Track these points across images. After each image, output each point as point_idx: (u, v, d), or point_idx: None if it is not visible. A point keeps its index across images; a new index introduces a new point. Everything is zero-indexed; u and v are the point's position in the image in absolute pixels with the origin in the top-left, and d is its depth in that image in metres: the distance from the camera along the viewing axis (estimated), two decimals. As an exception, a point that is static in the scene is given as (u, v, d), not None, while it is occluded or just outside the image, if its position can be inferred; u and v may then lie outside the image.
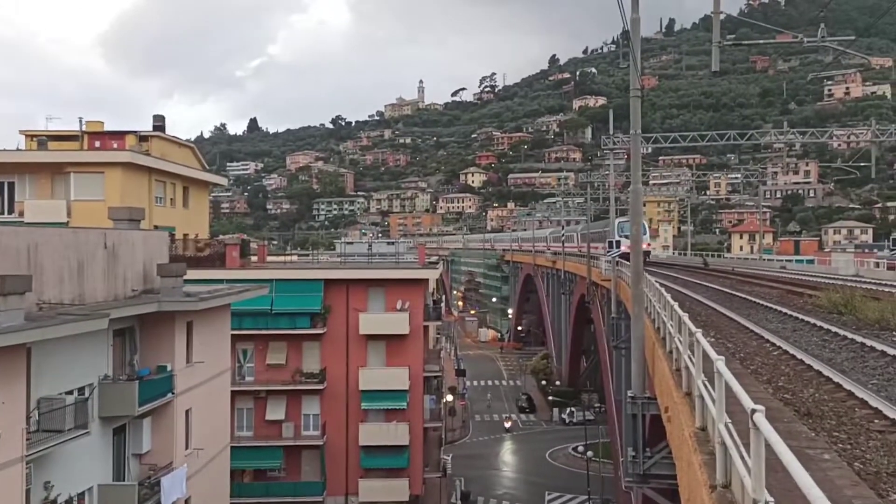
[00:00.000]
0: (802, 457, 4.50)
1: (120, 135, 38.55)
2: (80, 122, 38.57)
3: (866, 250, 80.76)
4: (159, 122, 40.72)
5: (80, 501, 18.94)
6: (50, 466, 17.39)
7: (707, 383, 7.57)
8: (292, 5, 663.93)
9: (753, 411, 4.49)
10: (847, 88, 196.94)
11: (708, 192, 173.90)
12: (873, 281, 29.02)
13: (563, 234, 77.34)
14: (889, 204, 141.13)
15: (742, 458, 5.26)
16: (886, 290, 22.54)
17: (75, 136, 38.12)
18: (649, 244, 45.76)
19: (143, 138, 38.65)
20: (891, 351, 11.37)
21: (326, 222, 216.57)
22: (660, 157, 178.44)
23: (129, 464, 21.41)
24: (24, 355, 16.13)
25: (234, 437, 33.11)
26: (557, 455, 60.20)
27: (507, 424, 67.42)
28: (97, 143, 37.71)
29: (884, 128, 43.56)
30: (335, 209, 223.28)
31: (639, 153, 17.12)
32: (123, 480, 20.96)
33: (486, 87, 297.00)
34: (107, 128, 40.34)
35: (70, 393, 18.16)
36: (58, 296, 18.58)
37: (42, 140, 36.08)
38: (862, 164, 58.69)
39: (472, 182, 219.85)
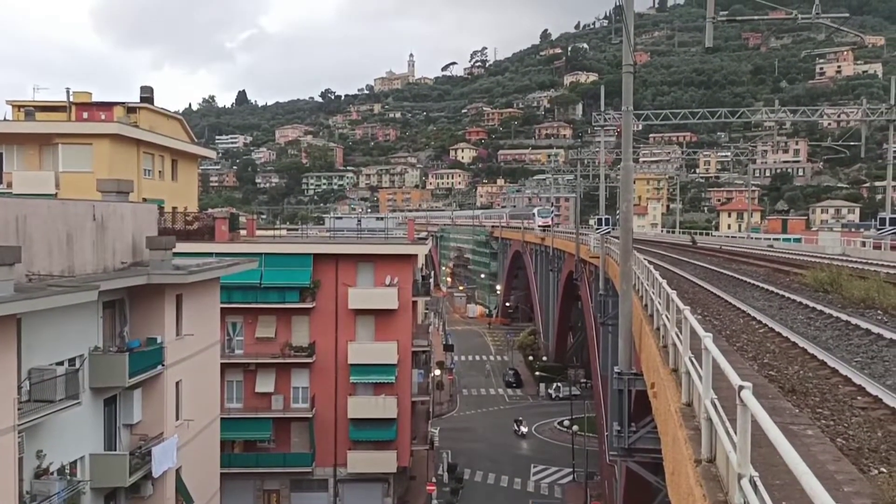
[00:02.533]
0: (786, 433, 4.56)
1: (108, 106, 37.98)
2: (68, 92, 37.97)
3: (853, 229, 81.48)
4: (147, 94, 40.10)
5: (72, 470, 19.07)
6: (42, 436, 17.48)
7: (694, 360, 7.68)
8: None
9: (741, 388, 4.53)
10: (839, 67, 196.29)
11: (697, 170, 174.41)
12: (859, 260, 29.34)
13: (494, 214, 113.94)
14: (877, 183, 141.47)
15: (728, 433, 5.33)
16: (872, 269, 22.79)
17: (63, 107, 37.54)
18: (555, 220, 65.23)
19: (131, 110, 38.12)
20: (875, 329, 11.54)
21: (315, 197, 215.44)
22: (650, 135, 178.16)
23: (121, 434, 21.53)
24: (14, 326, 16.10)
25: (224, 409, 33.35)
26: (543, 429, 61.01)
27: (524, 430, 58.23)
28: (85, 115, 37.16)
29: (874, 107, 43.64)
30: (324, 184, 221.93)
31: (630, 129, 17.07)
32: (115, 450, 21.10)
33: (476, 61, 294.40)
34: (96, 99, 39.72)
35: (60, 364, 18.17)
36: (47, 267, 18.49)
37: (29, 110, 35.50)
38: (852, 143, 58.93)
39: (462, 158, 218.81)
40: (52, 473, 17.87)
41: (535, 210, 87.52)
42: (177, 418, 23.60)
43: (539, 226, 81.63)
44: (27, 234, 17.76)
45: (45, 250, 18.52)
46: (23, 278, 17.21)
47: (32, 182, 30.65)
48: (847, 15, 29.26)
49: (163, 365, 22.29)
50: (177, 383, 23.52)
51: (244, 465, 37.67)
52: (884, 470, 5.62)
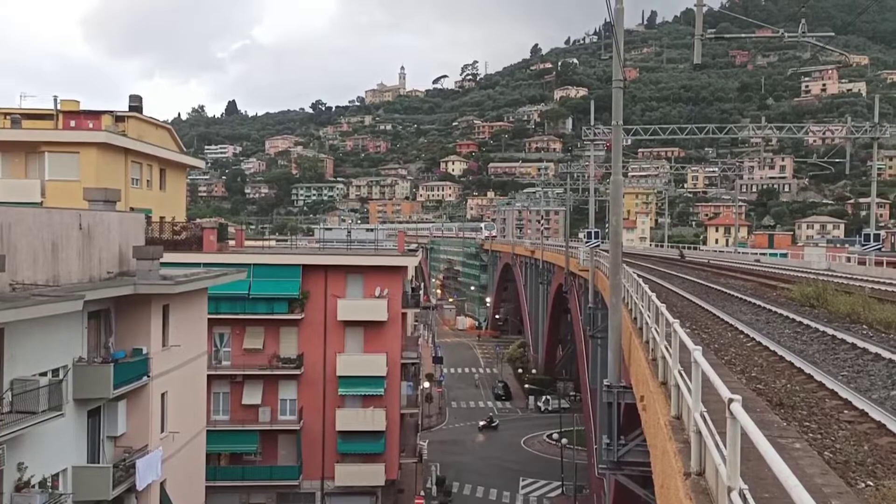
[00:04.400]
0: (774, 446, 4.57)
1: (96, 114, 37.77)
2: (55, 100, 37.74)
3: (838, 245, 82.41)
4: (136, 103, 39.93)
5: (54, 483, 18.76)
6: (23, 448, 17.18)
7: (683, 373, 7.68)
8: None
9: (731, 401, 4.53)
10: (824, 85, 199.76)
11: (685, 185, 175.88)
12: (844, 275, 29.60)
13: (445, 227, 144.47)
14: (861, 200, 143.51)
15: (717, 446, 5.33)
16: (857, 284, 22.99)
17: (50, 115, 37.29)
18: (497, 233, 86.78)
19: (119, 118, 37.91)
20: (860, 344, 11.63)
21: (305, 208, 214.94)
22: (639, 150, 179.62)
23: (104, 446, 21.22)
24: (-4, 336, 15.88)
25: (210, 421, 32.94)
26: (532, 442, 60.86)
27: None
28: (72, 123, 36.93)
29: (858, 125, 44.27)
30: (314, 195, 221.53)
31: (619, 144, 17.18)
32: (98, 463, 20.79)
33: (467, 75, 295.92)
34: (84, 107, 39.49)
35: (44, 374, 17.90)
36: (31, 276, 18.27)
37: (16, 118, 35.19)
38: (836, 160, 59.86)
39: (453, 170, 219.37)
40: (33, 486, 17.56)
41: (483, 225, 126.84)
42: (162, 430, 23.31)
43: (485, 237, 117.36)
44: (11, 242, 17.56)
45: (29, 259, 18.31)
46: (7, 287, 17.00)
47: (17, 190, 30.34)
48: (832, 34, 29.78)
49: (148, 376, 22.03)
50: (162, 395, 23.26)
51: (230, 478, 37.20)
52: (870, 483, 5.65)
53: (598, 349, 33.38)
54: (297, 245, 56.10)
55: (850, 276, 29.28)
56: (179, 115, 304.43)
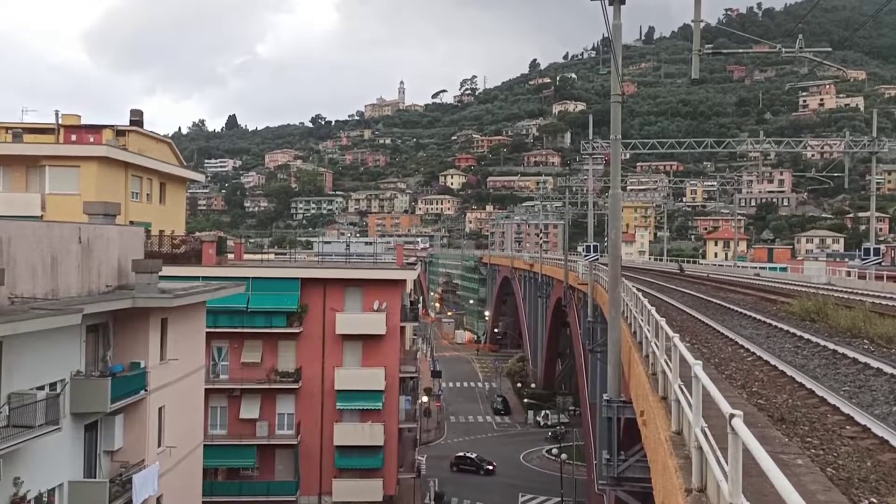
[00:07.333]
0: (776, 462, 4.55)
1: (97, 129, 37.88)
2: (57, 115, 37.88)
3: (838, 259, 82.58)
4: (137, 117, 40.07)
5: (50, 498, 18.60)
6: (20, 462, 17.05)
7: (683, 388, 7.65)
8: (278, 5, 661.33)
9: (732, 416, 4.52)
10: (821, 100, 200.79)
11: (684, 199, 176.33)
12: (845, 289, 29.58)
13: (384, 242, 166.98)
14: (860, 214, 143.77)
15: (718, 462, 5.31)
16: (857, 298, 22.99)
17: (51, 130, 37.41)
18: (429, 246, 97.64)
19: (120, 133, 38.02)
20: (862, 358, 11.59)
21: (304, 221, 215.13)
22: (637, 164, 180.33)
23: (101, 461, 21.07)
24: (-6, 350, 15.82)
25: (207, 436, 32.74)
26: (531, 457, 60.51)
27: None
28: (73, 137, 37.03)
29: (856, 139, 44.47)
30: (313, 208, 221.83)
31: (618, 157, 17.24)
32: (94, 477, 20.61)
33: (466, 89, 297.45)
34: (86, 122, 39.63)
35: (41, 388, 17.80)
36: (30, 290, 18.23)
37: (17, 132, 35.30)
38: (835, 174, 60.22)
39: (452, 184, 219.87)
40: (29, 501, 17.42)
41: (419, 239, 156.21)
42: (159, 445, 23.15)
43: (420, 249, 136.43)
44: (11, 256, 17.53)
45: (29, 273, 18.28)
46: (5, 301, 16.96)
47: (17, 204, 30.37)
48: (829, 49, 30.07)
49: (146, 390, 21.92)
50: (160, 409, 23.13)
51: (227, 493, 36.91)
52: (874, 500, 5.60)
53: (598, 363, 33.28)
54: (296, 258, 56.11)
55: (850, 290, 29.25)
56: (180, 129, 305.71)
